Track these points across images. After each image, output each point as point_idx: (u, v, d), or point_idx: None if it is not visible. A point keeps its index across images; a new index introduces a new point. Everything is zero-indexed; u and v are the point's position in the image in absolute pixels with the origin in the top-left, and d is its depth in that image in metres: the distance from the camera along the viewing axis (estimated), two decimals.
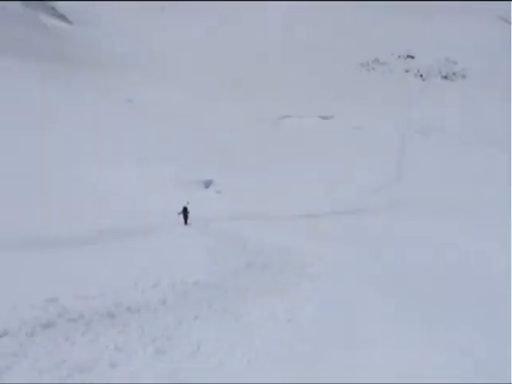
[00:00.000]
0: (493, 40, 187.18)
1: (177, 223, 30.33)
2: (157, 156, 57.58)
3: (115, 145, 59.94)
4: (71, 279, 12.27)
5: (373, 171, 62.96)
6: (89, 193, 40.28)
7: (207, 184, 52.33)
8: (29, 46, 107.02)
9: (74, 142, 58.18)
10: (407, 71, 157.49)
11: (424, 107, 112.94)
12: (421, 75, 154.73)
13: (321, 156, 70.09)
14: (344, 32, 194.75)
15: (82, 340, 7.63)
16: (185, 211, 31.74)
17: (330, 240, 20.67)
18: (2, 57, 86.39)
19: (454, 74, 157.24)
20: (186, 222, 31.43)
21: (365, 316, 8.51)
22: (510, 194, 40.28)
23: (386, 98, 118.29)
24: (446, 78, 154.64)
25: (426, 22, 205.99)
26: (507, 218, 26.75)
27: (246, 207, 39.12)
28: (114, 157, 55.00)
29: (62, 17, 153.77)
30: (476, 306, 8.81)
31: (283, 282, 12.07)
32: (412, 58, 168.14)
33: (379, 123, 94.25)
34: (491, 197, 42.20)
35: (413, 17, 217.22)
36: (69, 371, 6.45)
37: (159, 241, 22.12)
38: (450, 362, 6.38)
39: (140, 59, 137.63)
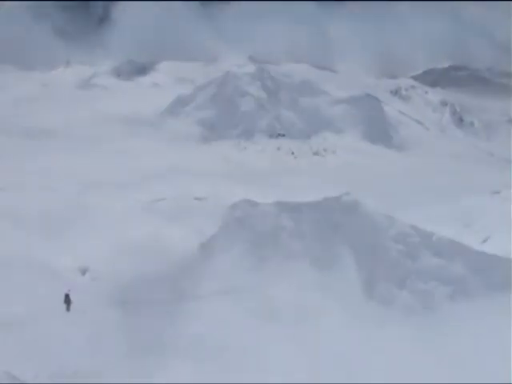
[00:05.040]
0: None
1: (59, 312, 29.15)
2: None
3: None
4: None
5: None
6: None
7: (83, 271, 50.57)
8: None
9: None
10: (279, 149, 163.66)
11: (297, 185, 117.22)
12: (292, 153, 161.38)
13: None
14: None
15: None
16: (67, 298, 30.78)
17: None
18: None
19: (324, 150, 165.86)
20: (68, 309, 30.42)
21: None
22: None
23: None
24: (316, 154, 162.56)
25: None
26: None
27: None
28: None
29: None
30: None
31: (166, 362, 12.11)
32: (283, 136, 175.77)
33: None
34: None
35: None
36: None
37: (39, 332, 21.09)
38: None
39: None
